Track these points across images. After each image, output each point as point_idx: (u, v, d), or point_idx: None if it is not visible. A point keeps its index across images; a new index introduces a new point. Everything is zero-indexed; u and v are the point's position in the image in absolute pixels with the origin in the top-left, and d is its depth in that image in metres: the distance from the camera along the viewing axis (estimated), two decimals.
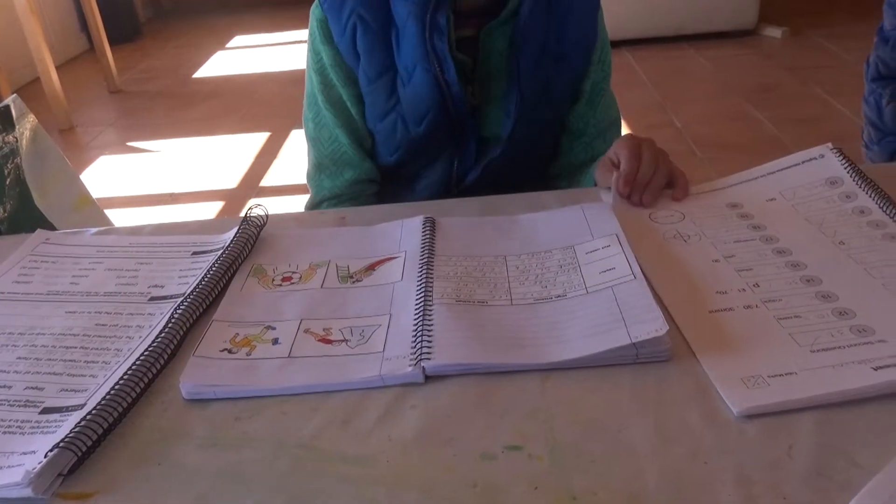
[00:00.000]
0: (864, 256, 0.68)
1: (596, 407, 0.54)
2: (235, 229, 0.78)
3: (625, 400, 0.54)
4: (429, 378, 0.58)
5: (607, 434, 0.51)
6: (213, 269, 0.71)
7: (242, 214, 0.81)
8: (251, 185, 2.95)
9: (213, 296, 0.69)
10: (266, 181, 2.97)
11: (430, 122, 0.94)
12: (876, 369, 0.53)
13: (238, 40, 5.24)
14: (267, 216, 0.81)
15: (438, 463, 0.50)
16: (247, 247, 0.76)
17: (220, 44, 5.15)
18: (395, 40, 0.92)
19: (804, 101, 3.31)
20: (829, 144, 0.84)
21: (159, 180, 3.09)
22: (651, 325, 0.58)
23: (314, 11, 0.96)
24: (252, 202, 0.83)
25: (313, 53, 0.97)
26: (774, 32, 4.15)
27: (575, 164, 1.05)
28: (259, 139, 3.35)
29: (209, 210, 2.77)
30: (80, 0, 4.05)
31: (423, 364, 0.57)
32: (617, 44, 4.24)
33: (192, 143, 3.47)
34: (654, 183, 0.82)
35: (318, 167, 1.02)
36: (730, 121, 3.18)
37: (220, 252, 0.74)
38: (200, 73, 4.60)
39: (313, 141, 1.02)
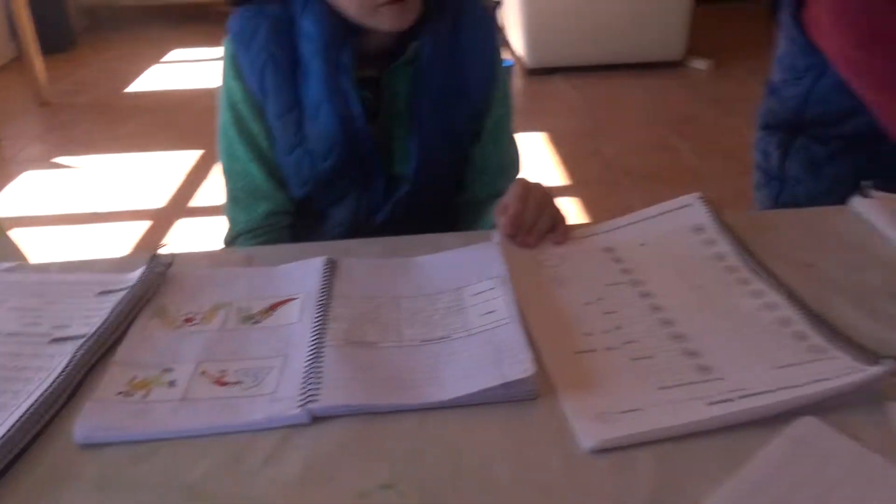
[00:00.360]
0: (716, 299, 0.75)
1: (466, 445, 0.59)
2: (142, 269, 0.80)
3: (493, 438, 0.59)
4: (316, 419, 0.62)
5: (474, 471, 0.56)
6: (117, 310, 0.74)
7: (160, 249, 0.83)
8: (180, 205, 2.94)
9: (115, 337, 0.72)
10: (196, 201, 2.96)
11: (336, 158, 0.98)
12: (709, 405, 0.60)
13: (175, 54, 5.20)
14: (174, 256, 0.84)
15: (317, 502, 0.54)
16: (152, 287, 0.79)
17: (157, 57, 5.10)
18: (302, 77, 0.96)
19: (725, 132, 3.47)
20: (698, 194, 0.91)
21: (85, 198, 3.04)
22: (520, 367, 0.63)
23: (226, 46, 1.00)
24: (175, 233, 0.86)
25: (225, 88, 1.01)
26: (700, 65, 4.33)
27: (478, 200, 1.10)
28: (191, 157, 3.33)
29: (135, 230, 2.75)
30: (10, 6, 3.95)
31: (309, 406, 0.61)
32: (552, 71, 4.37)
33: (122, 159, 3.43)
34: (538, 226, 0.88)
35: (233, 200, 1.05)
36: (655, 150, 3.31)
37: (124, 292, 0.77)
38: (134, 86, 4.55)
39: (227, 174, 1.05)
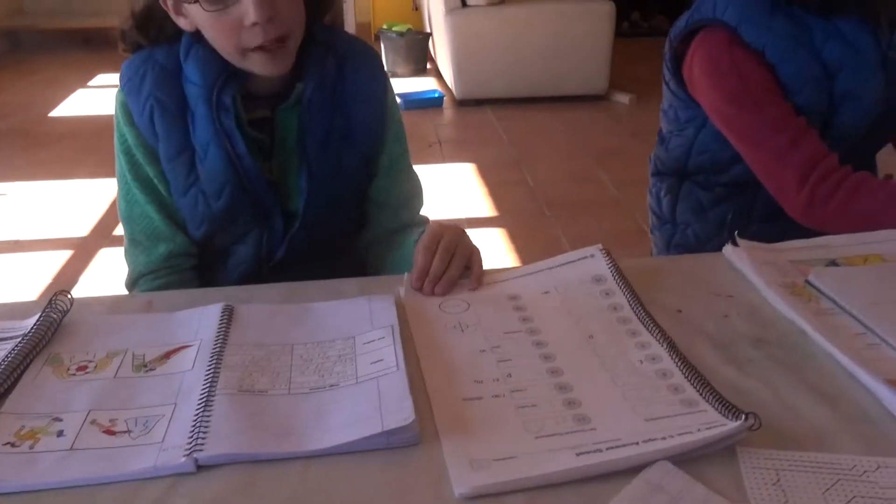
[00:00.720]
0: (604, 350, 0.79)
1: (348, 492, 0.61)
2: (37, 315, 0.81)
3: (372, 484, 0.62)
4: (201, 467, 0.64)
5: None
6: (9, 358, 0.74)
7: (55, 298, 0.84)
8: (103, 233, 2.89)
9: (6, 386, 0.72)
10: (120, 230, 2.91)
11: (229, 197, 1.01)
12: (578, 455, 0.64)
13: (101, 79, 5.11)
14: (72, 302, 0.84)
15: None
16: (47, 334, 0.80)
17: (82, 81, 5.01)
18: (191, 121, 1.00)
19: (645, 164, 3.59)
20: (599, 245, 0.96)
21: (5, 226, 2.96)
22: (401, 415, 0.66)
23: (117, 94, 1.03)
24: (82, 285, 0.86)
25: (118, 135, 1.03)
26: (623, 98, 4.49)
27: (382, 235, 1.14)
28: (115, 185, 3.28)
29: (56, 260, 2.69)
30: None
31: (195, 454, 0.63)
32: (481, 103, 4.47)
33: (44, 186, 3.36)
34: (447, 276, 0.91)
35: (133, 243, 1.07)
36: (578, 181, 3.42)
37: (19, 339, 0.77)
38: (58, 111, 4.46)
39: (126, 219, 1.07)
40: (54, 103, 4.56)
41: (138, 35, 1.03)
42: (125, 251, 1.08)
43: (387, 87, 1.12)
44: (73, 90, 4.80)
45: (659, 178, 1.34)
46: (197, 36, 0.99)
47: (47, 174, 3.49)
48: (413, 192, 1.16)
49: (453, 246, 0.94)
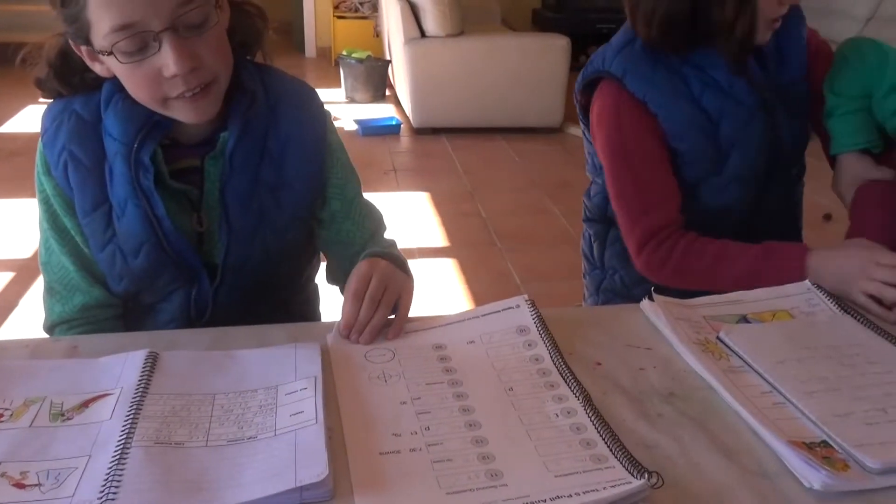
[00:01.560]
0: (522, 402, 0.81)
1: None
2: None
3: None
4: None
5: None
6: None
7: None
8: None
9: None
10: None
11: (147, 256, 0.98)
12: None
13: None
14: None
15: None
16: None
17: (32, 97, 4.90)
18: (109, 175, 0.96)
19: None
20: (525, 296, 0.98)
21: None
22: (315, 469, 0.67)
23: (39, 145, 1.00)
24: None
25: (38, 182, 1.01)
26: (577, 132, 4.57)
27: (349, 269, 1.09)
28: None
29: None
30: None
31: None
32: (437, 131, 4.51)
33: None
34: (371, 325, 0.92)
35: (50, 291, 1.05)
36: (530, 213, 3.47)
37: None
38: (6, 127, 4.38)
39: (44, 266, 1.04)
40: (2, 119, 4.47)
41: (58, 84, 0.98)
42: (43, 297, 1.06)
43: (326, 130, 1.07)
44: (22, 105, 4.71)
45: (589, 225, 1.38)
46: (118, 84, 0.94)
47: None
48: (376, 225, 1.14)
49: (380, 290, 0.94)
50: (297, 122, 1.04)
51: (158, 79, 0.88)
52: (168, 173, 0.98)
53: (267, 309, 1.09)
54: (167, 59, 0.86)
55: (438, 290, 2.69)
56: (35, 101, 4.81)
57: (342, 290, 1.15)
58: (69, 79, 0.98)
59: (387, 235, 1.18)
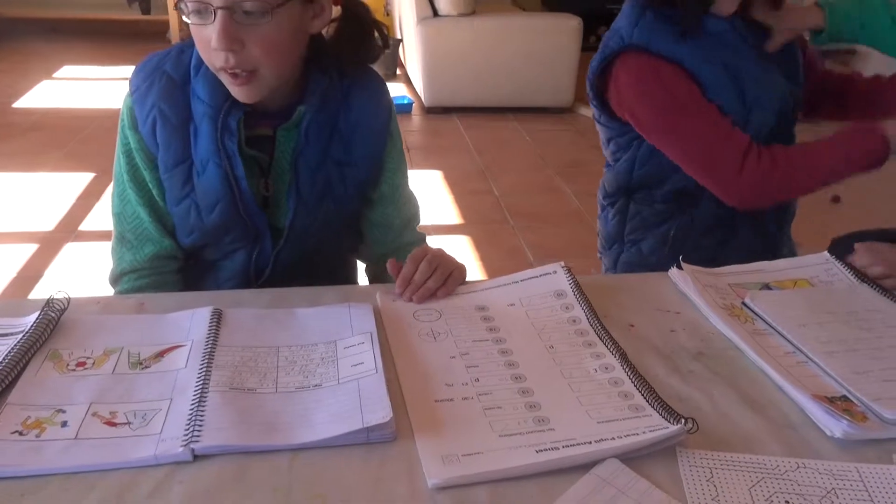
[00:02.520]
0: (563, 359, 0.88)
1: (329, 482, 0.68)
2: (37, 313, 0.86)
3: (353, 475, 0.69)
4: (197, 457, 0.70)
5: None
6: (11, 353, 0.79)
7: (47, 298, 0.89)
8: (69, 228, 2.90)
9: (10, 379, 0.77)
10: (86, 225, 2.92)
11: (221, 212, 1.05)
12: (537, 452, 0.72)
13: (67, 70, 5.07)
14: (69, 301, 0.90)
15: None
16: (46, 331, 0.85)
17: (47, 72, 4.96)
18: (193, 134, 1.03)
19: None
20: (562, 263, 1.04)
21: None
22: (379, 414, 0.73)
23: (125, 99, 1.06)
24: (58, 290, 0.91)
25: (122, 136, 1.07)
26: (587, 112, 4.60)
27: (386, 253, 1.18)
28: (82, 180, 3.28)
29: (21, 253, 2.69)
30: None
31: (192, 445, 0.70)
32: (448, 110, 4.55)
33: (8, 178, 3.34)
34: (425, 287, 0.99)
35: (121, 240, 1.11)
36: (542, 192, 3.52)
37: (20, 335, 0.83)
38: (22, 102, 4.42)
39: (117, 216, 1.10)
40: (18, 94, 4.51)
41: None
42: (112, 247, 1.12)
43: (390, 118, 1.15)
44: (37, 81, 4.75)
45: (609, 201, 1.44)
46: None
47: (11, 166, 3.47)
48: (413, 214, 1.22)
49: (437, 260, 1.02)
50: (368, 108, 1.11)
51: (209, 46, 0.95)
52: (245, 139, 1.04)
53: (322, 278, 1.15)
54: (214, 33, 0.92)
55: None
56: (49, 77, 4.86)
57: (368, 271, 1.24)
58: None
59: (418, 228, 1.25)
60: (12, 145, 3.73)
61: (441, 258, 1.03)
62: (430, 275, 1.00)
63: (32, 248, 2.75)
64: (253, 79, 0.97)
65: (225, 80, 0.99)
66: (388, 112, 1.14)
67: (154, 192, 1.07)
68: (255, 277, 1.13)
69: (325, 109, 1.07)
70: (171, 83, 1.03)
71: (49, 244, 2.78)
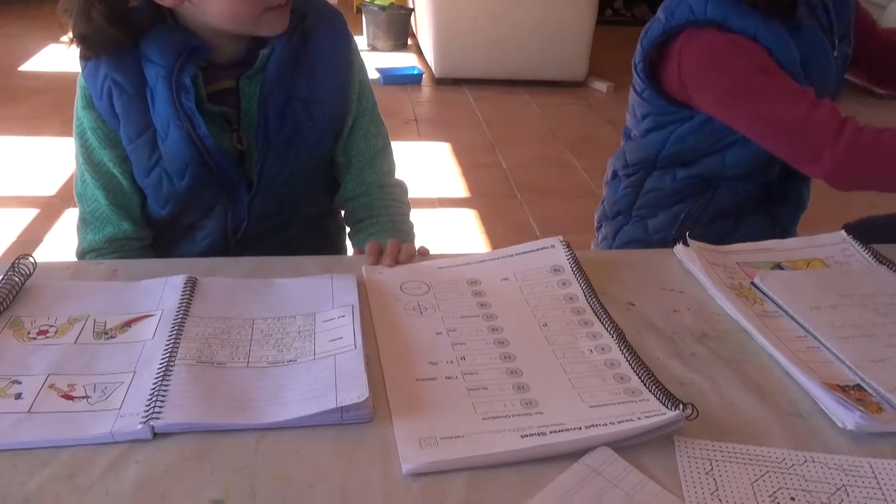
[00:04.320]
0: (556, 338, 0.82)
1: (297, 464, 0.63)
2: None
3: (323, 458, 0.64)
4: (157, 435, 0.65)
5: (299, 489, 0.61)
6: None
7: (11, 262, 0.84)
8: (70, 194, 2.85)
9: None
10: None
11: (192, 176, 1.01)
12: (522, 437, 0.66)
13: None
14: (35, 266, 0.85)
15: None
16: (8, 297, 0.80)
17: (53, 36, 4.89)
18: (151, 100, 0.99)
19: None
20: (560, 237, 0.98)
21: None
22: (355, 392, 0.68)
23: (79, 80, 1.02)
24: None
25: (76, 118, 1.03)
26: (601, 86, 4.52)
27: (349, 196, 1.16)
28: None
29: (21, 218, 2.66)
30: None
31: (151, 422, 0.65)
32: (459, 82, 4.47)
33: (11, 142, 3.30)
34: (405, 247, 0.97)
35: (82, 221, 1.09)
36: (551, 167, 3.44)
37: None
38: (28, 65, 4.37)
39: (78, 197, 1.08)
40: (24, 57, 4.46)
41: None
42: (77, 225, 1.10)
43: (351, 49, 1.11)
44: (44, 45, 4.70)
45: (626, 172, 1.37)
46: (156, 14, 0.96)
47: (16, 129, 3.43)
48: (377, 152, 1.15)
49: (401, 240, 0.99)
50: (327, 38, 1.07)
51: None
52: (206, 96, 1.00)
53: (300, 226, 1.13)
54: None
55: (458, 240, 2.70)
56: (56, 41, 4.80)
57: (345, 221, 1.19)
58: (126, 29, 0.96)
59: (399, 176, 1.21)
60: (17, 109, 3.69)
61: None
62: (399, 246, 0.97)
63: (33, 212, 2.72)
64: (289, 3, 0.97)
65: (272, 18, 0.96)
66: (349, 43, 1.11)
67: (116, 170, 1.03)
68: (232, 232, 1.09)
69: (284, 48, 1.02)
70: (120, 51, 0.98)
71: (50, 209, 2.75)
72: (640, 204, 1.35)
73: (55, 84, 4.04)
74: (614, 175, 1.40)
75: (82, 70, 1.01)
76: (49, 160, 3.12)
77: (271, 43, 1.01)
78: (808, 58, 1.17)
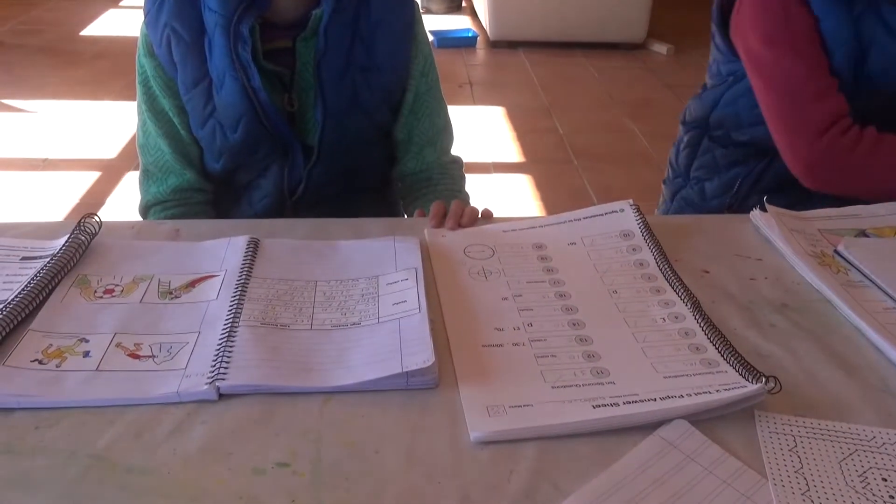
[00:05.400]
0: (627, 305, 0.79)
1: (362, 429, 0.62)
2: (67, 236, 0.82)
3: (389, 423, 0.63)
4: (223, 396, 0.65)
5: (364, 455, 0.60)
6: (38, 277, 0.75)
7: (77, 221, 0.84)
8: (132, 156, 2.90)
9: (35, 304, 0.73)
10: None
11: (245, 129, 1.00)
12: (594, 407, 0.64)
13: None
14: (100, 225, 0.85)
15: (213, 476, 0.57)
16: (75, 256, 0.80)
17: (114, 0, 4.96)
18: (209, 49, 0.98)
19: (677, 118, 3.54)
20: (630, 200, 0.95)
21: (33, 143, 2.99)
22: (420, 357, 0.66)
23: (141, 27, 1.02)
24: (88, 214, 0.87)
25: (138, 66, 1.04)
26: (661, 48, 4.38)
27: (407, 172, 1.14)
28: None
29: (84, 180, 2.71)
30: None
31: (217, 383, 0.64)
32: (514, 45, 4.38)
33: (73, 106, 3.36)
34: (468, 210, 0.94)
35: (146, 173, 1.09)
36: (608, 132, 3.36)
37: (48, 259, 0.78)
38: (89, 30, 4.44)
39: (141, 148, 1.08)
40: (85, 22, 4.53)
41: None
42: (139, 180, 1.10)
43: (414, 20, 1.07)
44: (104, 9, 4.76)
45: (685, 129, 1.32)
46: None
47: (77, 93, 3.50)
48: (438, 131, 1.13)
49: (464, 203, 0.97)
50: (388, 8, 1.04)
51: None
52: (262, 53, 0.99)
53: (360, 193, 1.11)
54: None
55: (513, 205, 2.66)
56: (116, 6, 4.86)
57: (400, 196, 1.17)
58: None
59: (455, 151, 1.18)
60: (78, 73, 3.76)
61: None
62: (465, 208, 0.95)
63: (95, 175, 2.77)
64: None
65: None
66: (412, 13, 1.07)
67: (175, 120, 1.03)
68: (289, 194, 1.08)
69: (342, 11, 1.00)
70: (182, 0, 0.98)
71: (111, 172, 2.80)
72: (696, 166, 1.30)
73: (115, 48, 4.09)
74: (679, 133, 1.35)
75: (144, 17, 1.01)
76: (110, 123, 3.17)
77: (323, 3, 0.99)
78: (872, 42, 1.08)
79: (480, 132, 3.27)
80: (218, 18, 0.96)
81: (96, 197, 2.63)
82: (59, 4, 4.91)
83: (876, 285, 0.81)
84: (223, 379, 0.65)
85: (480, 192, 2.60)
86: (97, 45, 4.18)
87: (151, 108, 1.04)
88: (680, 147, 1.33)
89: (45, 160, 2.86)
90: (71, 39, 4.27)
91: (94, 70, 3.79)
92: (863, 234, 0.91)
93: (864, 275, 0.82)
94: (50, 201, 2.58)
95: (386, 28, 1.03)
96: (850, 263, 0.85)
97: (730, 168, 1.26)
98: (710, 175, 1.29)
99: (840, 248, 0.87)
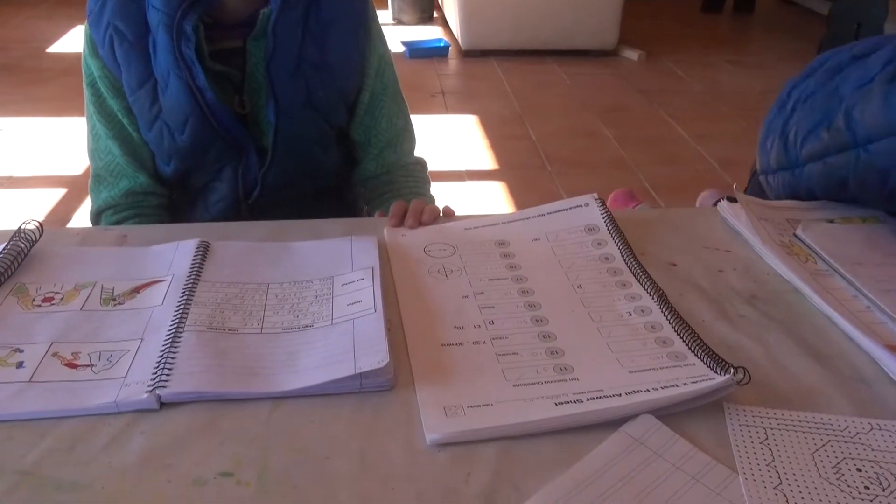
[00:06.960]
0: (592, 300, 0.76)
1: (312, 435, 0.59)
2: (4, 244, 0.78)
3: (341, 428, 0.59)
4: (164, 405, 0.61)
5: (314, 462, 0.56)
6: None
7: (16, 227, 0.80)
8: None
9: None
10: None
11: (192, 130, 0.97)
12: (557, 405, 0.61)
13: None
14: (41, 231, 0.81)
15: (151, 489, 0.54)
16: (13, 264, 0.76)
17: (81, 17, 4.88)
18: (153, 49, 0.95)
19: (649, 122, 3.53)
20: (595, 194, 0.92)
21: None
22: (375, 357, 0.63)
23: (85, 27, 0.99)
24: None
25: (84, 67, 1.00)
26: (632, 55, 4.39)
27: (368, 175, 1.11)
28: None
29: (50, 197, 2.65)
30: None
31: (158, 391, 0.60)
32: (486, 53, 4.38)
33: (39, 122, 3.30)
34: (428, 208, 0.92)
35: (97, 178, 1.05)
36: (581, 137, 3.35)
37: None
38: (56, 47, 4.37)
39: (91, 153, 1.04)
40: (52, 39, 4.47)
41: None
42: (90, 186, 1.06)
43: (368, 17, 1.05)
44: (71, 26, 4.70)
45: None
46: None
47: (43, 111, 3.43)
48: (398, 133, 1.11)
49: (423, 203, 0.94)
50: (340, 5, 1.02)
51: None
52: (209, 54, 0.96)
53: (319, 195, 1.08)
54: None
55: (488, 212, 2.63)
56: (83, 22, 4.79)
57: (363, 200, 1.14)
58: None
59: (429, 160, 1.15)
60: (45, 90, 3.69)
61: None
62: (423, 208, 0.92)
63: (61, 192, 2.71)
64: None
65: None
66: (364, 10, 1.04)
67: (125, 121, 1.00)
68: (244, 197, 1.04)
69: (291, 9, 0.97)
70: None
71: (77, 188, 2.74)
72: None
73: (81, 66, 4.03)
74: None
75: (88, 17, 0.97)
76: (76, 140, 3.11)
77: (271, 2, 0.96)
78: None
79: (454, 140, 3.25)
80: (161, 16, 0.93)
81: (62, 214, 2.57)
82: (26, 23, 4.84)
83: (839, 273, 0.79)
84: (164, 386, 0.61)
85: (455, 199, 2.57)
86: (64, 62, 4.12)
87: (100, 109, 1.00)
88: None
89: (9, 178, 2.80)
90: (38, 57, 4.20)
91: (61, 87, 3.73)
92: (830, 222, 0.89)
93: (825, 260, 0.80)
94: (14, 218, 2.52)
95: (338, 26, 1.01)
96: (806, 246, 0.82)
97: None
98: None
99: (798, 231, 0.85)
